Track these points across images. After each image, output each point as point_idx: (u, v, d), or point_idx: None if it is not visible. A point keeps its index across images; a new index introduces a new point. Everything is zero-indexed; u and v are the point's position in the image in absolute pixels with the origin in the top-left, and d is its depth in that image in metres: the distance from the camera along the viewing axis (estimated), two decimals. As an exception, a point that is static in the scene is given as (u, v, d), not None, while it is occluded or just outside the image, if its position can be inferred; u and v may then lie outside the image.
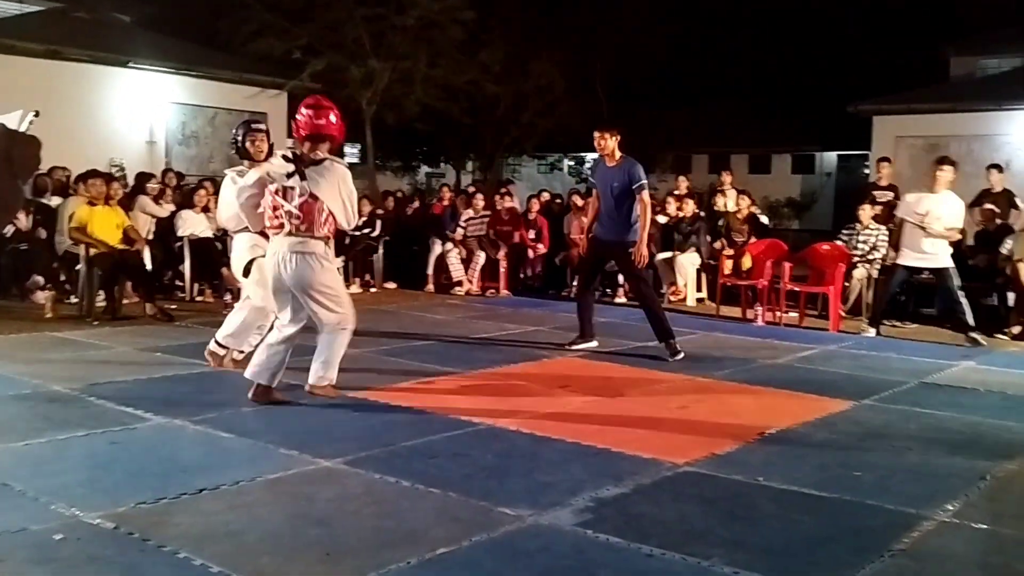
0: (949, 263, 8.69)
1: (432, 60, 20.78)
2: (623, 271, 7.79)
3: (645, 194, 7.45)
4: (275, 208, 5.28)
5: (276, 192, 5.28)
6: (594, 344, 7.79)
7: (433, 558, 3.31)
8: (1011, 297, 9.53)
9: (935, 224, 8.63)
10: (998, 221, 10.44)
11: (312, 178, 5.20)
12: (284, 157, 5.33)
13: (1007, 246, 9.67)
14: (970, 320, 8.69)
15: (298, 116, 5.28)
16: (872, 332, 9.12)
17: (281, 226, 5.25)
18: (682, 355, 7.38)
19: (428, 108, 21.73)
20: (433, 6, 19.55)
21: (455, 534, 3.53)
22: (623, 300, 11.14)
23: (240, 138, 6.02)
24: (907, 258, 8.88)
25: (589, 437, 4.95)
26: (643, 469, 4.42)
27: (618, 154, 7.54)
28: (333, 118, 5.24)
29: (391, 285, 12.36)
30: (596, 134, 7.53)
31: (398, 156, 31.24)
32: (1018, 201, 11.11)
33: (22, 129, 1.33)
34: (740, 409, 5.89)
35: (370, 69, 19.74)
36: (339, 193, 5.22)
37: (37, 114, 2.10)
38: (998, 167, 11.60)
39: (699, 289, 11.62)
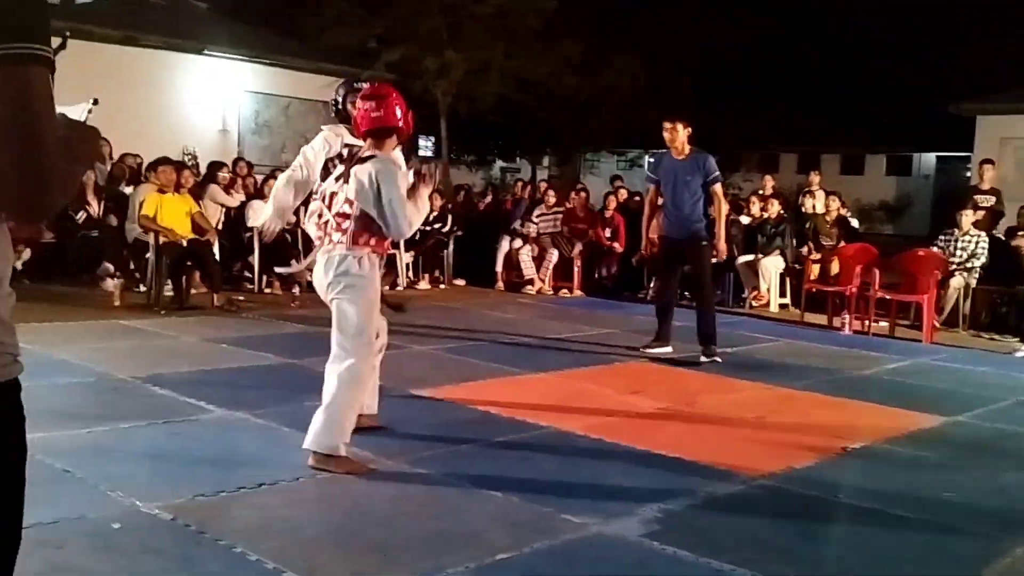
0: None
1: (509, 51, 20.83)
2: (694, 269, 7.68)
3: (719, 187, 7.48)
4: (319, 216, 4.48)
5: (322, 196, 4.49)
6: (669, 350, 7.71)
7: (492, 563, 3.30)
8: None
9: None
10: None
11: (354, 179, 4.30)
12: (339, 156, 4.79)
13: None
14: None
15: (356, 109, 4.51)
16: (1021, 352, 8.72)
17: (321, 238, 4.45)
18: (718, 360, 7.39)
19: (504, 100, 21.79)
20: (512, -5, 19.62)
21: (515, 540, 3.53)
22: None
23: (341, 98, 5.23)
24: None
25: (660, 445, 4.89)
26: (716, 481, 4.36)
27: (687, 147, 7.48)
28: (397, 108, 4.41)
29: (460, 282, 12.42)
30: (667, 125, 7.45)
31: (473, 150, 31.43)
32: None
33: (82, 119, 1.36)
34: (822, 421, 5.77)
35: (446, 60, 19.87)
36: (377, 196, 4.22)
37: (96, 102, 2.13)
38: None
39: (783, 294, 11.43)
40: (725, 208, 7.52)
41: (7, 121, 1.30)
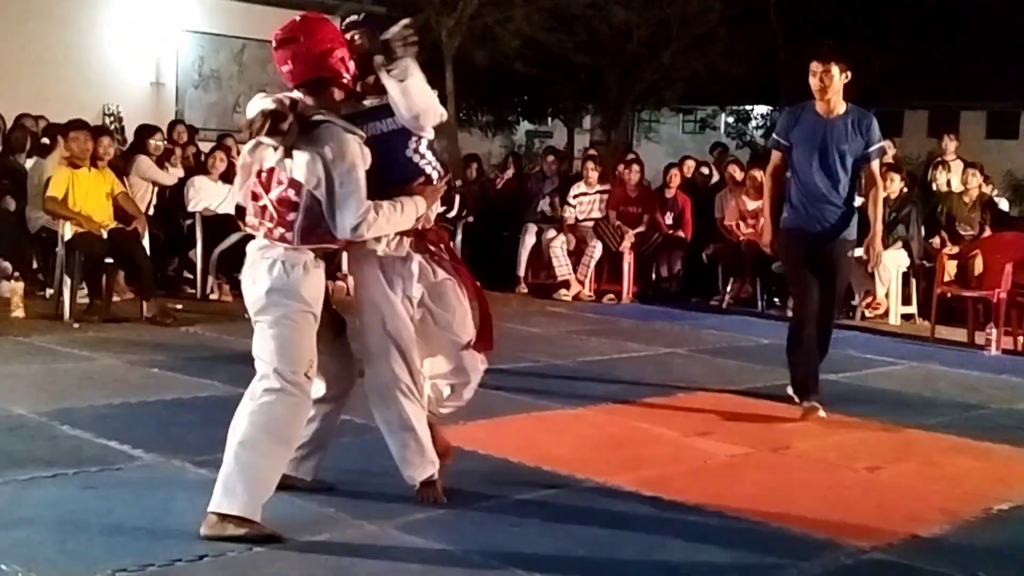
0: None
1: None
2: (831, 280, 6.95)
3: (877, 164, 7.05)
4: (255, 198, 4.42)
5: (259, 175, 4.40)
6: (820, 412, 6.86)
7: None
8: None
9: None
10: None
11: (297, 154, 4.25)
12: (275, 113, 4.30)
13: None
14: None
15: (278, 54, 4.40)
16: None
17: (255, 227, 4.43)
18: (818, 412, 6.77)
19: (532, 43, 21.80)
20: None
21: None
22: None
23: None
24: None
25: (737, 505, 4.90)
26: (813, 554, 4.36)
27: (843, 103, 6.90)
28: (331, 42, 4.35)
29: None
30: (816, 67, 6.79)
31: (490, 108, 31.48)
32: None
33: None
34: (957, 474, 5.77)
35: (454, -14, 19.94)
36: (324, 177, 4.21)
37: None
38: None
39: (907, 301, 11.39)
40: (882, 195, 7.11)
41: None
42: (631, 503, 4.93)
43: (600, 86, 27.40)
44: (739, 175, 12.41)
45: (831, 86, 6.78)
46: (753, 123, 35.74)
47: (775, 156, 7.16)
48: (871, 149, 6.88)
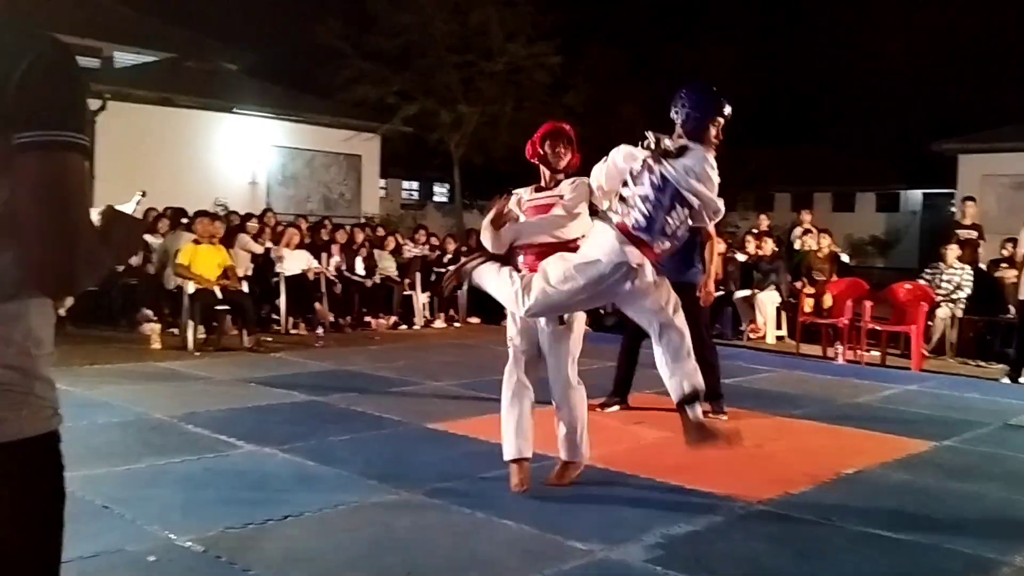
0: None
1: (518, 104, 21.07)
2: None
3: (712, 226, 6.89)
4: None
5: None
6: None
7: (504, 589, 3.30)
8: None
9: None
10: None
11: None
12: None
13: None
14: None
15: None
16: (1006, 379, 8.58)
17: None
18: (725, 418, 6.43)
19: (513, 149, 21.89)
20: (521, 52, 19.86)
21: (526, 565, 3.53)
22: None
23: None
24: None
25: (662, 473, 4.89)
26: (716, 507, 4.35)
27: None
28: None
29: (475, 320, 12.44)
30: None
31: (485, 195, 31.57)
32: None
33: (131, 210, 1.38)
34: (817, 448, 5.76)
35: (459, 113, 20.11)
36: None
37: (144, 194, 2.19)
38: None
39: (779, 327, 11.40)
40: (717, 250, 6.81)
41: (43, 207, 1.32)
42: (588, 473, 4.89)
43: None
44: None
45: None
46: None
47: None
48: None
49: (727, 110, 4.09)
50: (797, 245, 12.44)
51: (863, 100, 32.33)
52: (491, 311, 12.44)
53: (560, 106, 21.68)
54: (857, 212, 33.15)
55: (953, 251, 10.39)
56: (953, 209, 16.82)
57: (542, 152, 4.60)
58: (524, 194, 4.75)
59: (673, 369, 4.00)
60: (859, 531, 4.07)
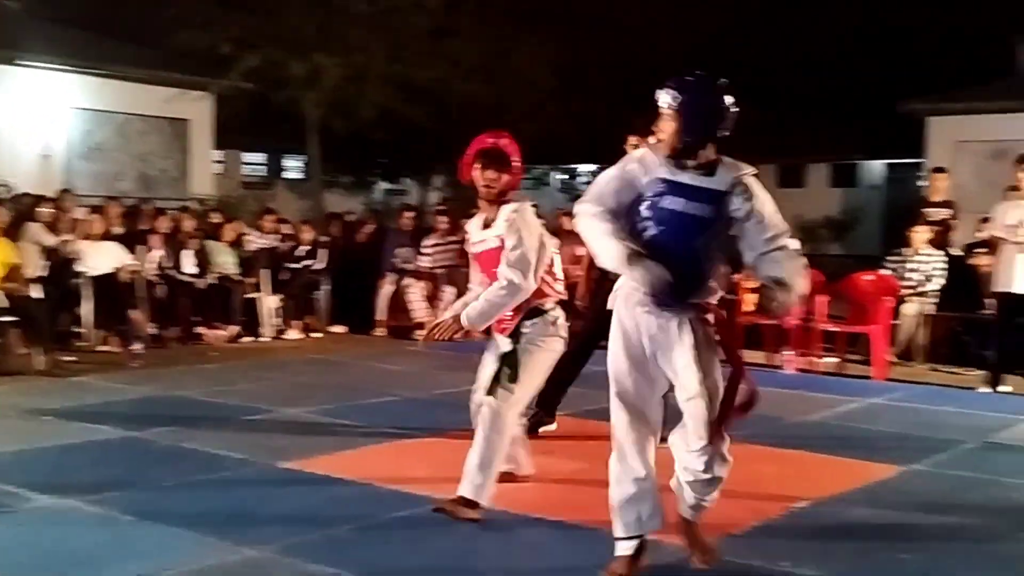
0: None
1: (391, 54, 20.94)
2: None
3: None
4: None
5: None
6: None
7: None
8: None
9: None
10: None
11: None
12: None
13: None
14: None
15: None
16: (985, 388, 8.99)
17: None
18: None
19: (387, 112, 21.86)
20: (392, -12, 19.80)
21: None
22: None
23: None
24: (1007, 284, 8.79)
25: (577, 514, 4.93)
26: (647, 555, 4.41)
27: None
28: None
29: (339, 329, 12.35)
30: (633, 140, 6.61)
31: (350, 170, 31.37)
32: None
33: None
34: (763, 478, 5.88)
35: (315, 65, 19.87)
36: None
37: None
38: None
39: (716, 330, 11.65)
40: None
41: None
42: (485, 516, 4.94)
43: (447, 149, 27.50)
44: (568, 225, 12.63)
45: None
46: (580, 179, 36.38)
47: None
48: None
49: None
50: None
51: (814, 54, 33.26)
52: (359, 317, 12.38)
53: (443, 57, 21.71)
54: (808, 188, 34.21)
55: (922, 234, 10.79)
56: (922, 183, 17.52)
57: (472, 178, 4.95)
58: (472, 230, 5.15)
59: None
60: (814, 578, 4.20)
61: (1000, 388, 8.87)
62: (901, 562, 4.44)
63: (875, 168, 34.91)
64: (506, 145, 5.10)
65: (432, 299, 12.16)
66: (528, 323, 5.02)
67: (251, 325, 11.64)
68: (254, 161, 34.79)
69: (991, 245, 9.23)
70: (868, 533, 4.86)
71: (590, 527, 4.77)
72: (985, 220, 10.15)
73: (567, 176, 37.24)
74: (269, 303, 11.78)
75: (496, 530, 4.78)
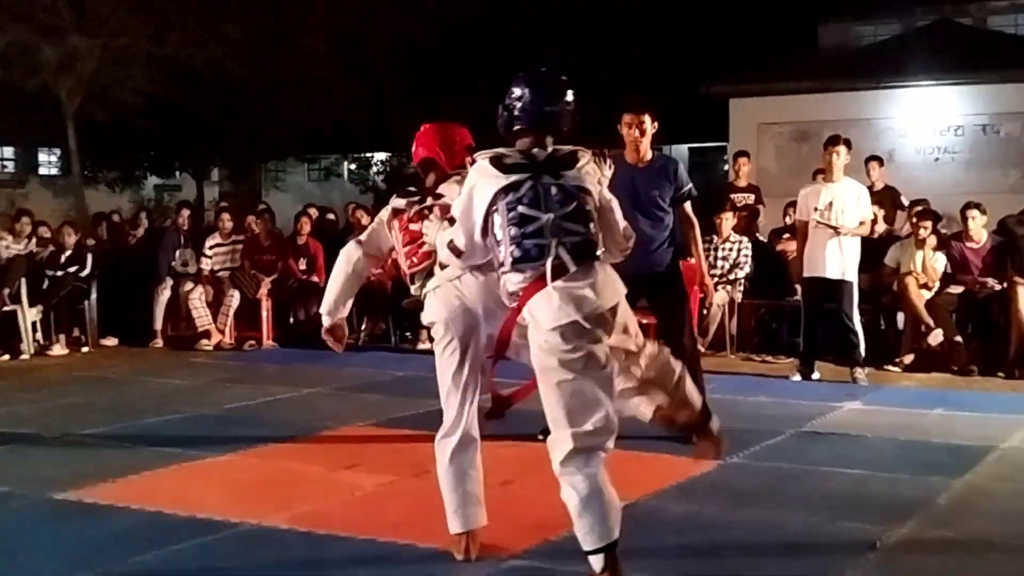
0: (855, 277, 9.26)
1: (157, 35, 20.44)
2: (661, 312, 7.05)
3: (688, 206, 7.07)
4: None
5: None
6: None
7: None
8: (900, 319, 10.27)
9: (841, 219, 9.11)
10: (882, 227, 11.18)
11: None
12: None
13: (892, 256, 10.41)
14: (862, 352, 9.27)
15: None
16: (797, 376, 9.44)
17: None
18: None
19: (155, 99, 21.34)
20: (155, -37, 19.33)
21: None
22: (428, 347, 11.23)
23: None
24: (812, 269, 9.27)
25: (387, 531, 4.98)
26: (458, 570, 4.50)
27: (650, 151, 7.01)
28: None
29: (111, 342, 11.99)
30: (631, 118, 6.88)
31: (116, 165, 30.38)
32: (904, 199, 12.01)
33: None
34: (579, 480, 6.06)
35: (71, 48, 19.21)
36: None
37: None
38: (879, 159, 12.51)
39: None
40: (699, 234, 7.17)
41: None
42: (287, 540, 4.93)
43: (226, 140, 27.03)
44: (366, 219, 12.63)
45: (644, 138, 6.93)
46: (374, 169, 36.14)
47: None
48: (681, 192, 7.00)
49: None
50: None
51: (612, 35, 34.14)
52: (133, 327, 12.04)
53: (217, 39, 21.30)
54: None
55: (728, 220, 11.29)
56: (726, 167, 18.27)
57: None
58: None
59: None
60: (634, 581, 4.37)
61: (815, 376, 9.38)
62: (720, 557, 4.67)
63: (678, 153, 36.12)
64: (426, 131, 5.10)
65: (216, 305, 11.94)
66: None
67: (8, 342, 11.16)
68: (2, 156, 33.27)
69: (798, 230, 9.74)
70: (686, 530, 5.08)
71: (404, 542, 4.83)
72: (791, 204, 10.69)
73: (358, 166, 36.95)
74: (29, 316, 11.31)
75: (303, 553, 4.78)
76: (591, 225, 4.11)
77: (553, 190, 4.08)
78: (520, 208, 4.03)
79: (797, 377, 9.43)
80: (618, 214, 4.40)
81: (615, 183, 6.43)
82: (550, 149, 4.22)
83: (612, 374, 4.23)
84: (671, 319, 7.01)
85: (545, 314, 3.97)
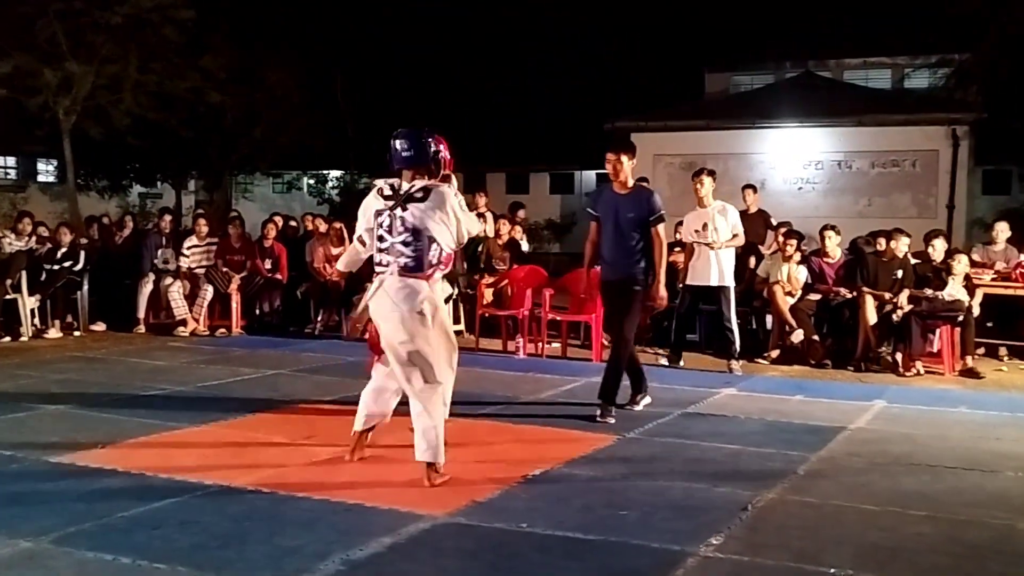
0: (731, 282, 9.41)
1: (144, 64, 20.17)
2: (619, 312, 7.27)
3: (662, 228, 7.25)
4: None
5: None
6: (647, 400, 7.58)
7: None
8: (768, 320, 10.45)
9: (714, 236, 9.32)
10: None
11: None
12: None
13: (763, 268, 10.61)
14: (737, 347, 9.43)
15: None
16: (667, 361, 9.70)
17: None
18: (612, 421, 6.95)
19: (141, 119, 21.00)
20: (144, 3, 18.96)
21: (186, 614, 3.46)
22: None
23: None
24: (695, 278, 9.52)
25: (338, 492, 4.97)
26: (398, 524, 4.50)
27: (631, 181, 7.31)
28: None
29: (100, 327, 11.76)
30: (611, 156, 7.21)
31: (105, 174, 29.79)
32: (773, 221, 12.24)
33: None
34: (502, 451, 6.11)
35: (68, 73, 18.82)
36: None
37: None
38: (753, 187, 12.74)
39: (456, 321, 11.86)
40: (665, 252, 7.36)
41: None
42: (253, 499, 4.90)
43: (202, 156, 26.72)
44: (323, 227, 12.62)
45: (622, 170, 7.21)
46: (330, 184, 35.85)
47: (592, 225, 7.47)
48: (653, 217, 7.17)
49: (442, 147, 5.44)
50: (479, 233, 12.98)
51: (536, 77, 34.31)
52: (119, 315, 11.84)
53: (197, 69, 21.04)
54: (532, 194, 35.19)
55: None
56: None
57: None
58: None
59: None
60: (549, 535, 4.41)
61: (680, 364, 9.62)
62: (621, 518, 4.73)
63: (589, 177, 36.34)
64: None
65: (192, 298, 11.78)
66: None
67: (10, 326, 10.91)
68: (5, 165, 32.49)
69: (685, 246, 9.91)
70: (592, 495, 5.13)
71: (353, 502, 4.83)
72: (680, 224, 10.84)
73: (316, 181, 36.70)
74: (29, 303, 11.07)
75: (265, 510, 4.75)
76: (419, 249, 5.18)
77: (399, 221, 5.19)
78: (380, 231, 5.26)
79: (664, 362, 9.67)
80: (463, 223, 5.33)
81: (602, 208, 7.34)
82: (409, 184, 5.25)
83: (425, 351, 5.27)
84: (619, 315, 7.28)
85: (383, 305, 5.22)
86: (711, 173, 9.62)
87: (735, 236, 9.48)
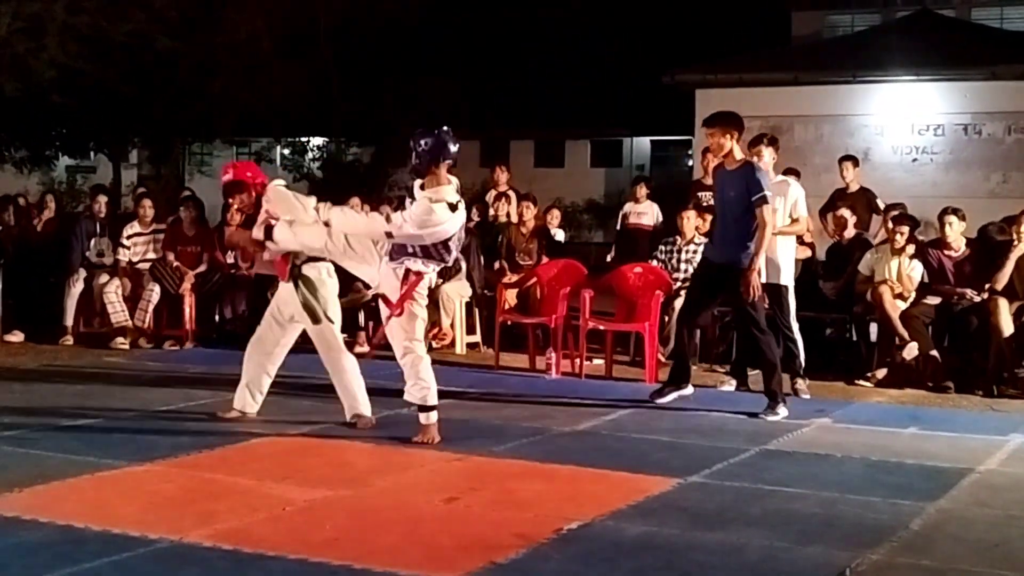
0: (789, 281, 9.34)
1: (75, 1, 20.23)
2: (734, 303, 8.70)
3: (766, 210, 8.25)
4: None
5: None
6: (689, 391, 8.85)
7: None
8: (874, 331, 10.37)
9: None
10: (852, 231, 11.28)
11: None
12: None
13: (866, 264, 10.52)
14: (802, 360, 9.36)
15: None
16: (731, 386, 9.67)
17: None
18: (785, 413, 8.34)
19: (69, 72, 21.11)
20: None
21: None
22: (366, 349, 11.20)
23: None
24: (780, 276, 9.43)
25: (319, 551, 4.96)
26: (397, 591, 4.50)
27: (739, 155, 8.46)
28: None
29: (16, 337, 11.84)
30: (705, 131, 8.63)
31: (25, 143, 30.01)
32: (880, 202, 12.15)
33: None
34: (529, 498, 6.08)
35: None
36: None
37: None
38: (853, 159, 12.65)
39: (471, 331, 11.85)
40: (767, 236, 8.35)
41: None
42: (209, 559, 4.89)
43: (147, 118, 26.77)
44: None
45: (724, 145, 8.41)
46: (310, 155, 35.88)
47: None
48: (755, 197, 8.23)
49: (454, 148, 7.02)
50: (498, 217, 12.95)
51: (572, 20, 34.18)
52: (41, 322, 11.90)
53: (141, 6, 21.12)
54: (568, 168, 35.19)
55: (691, 219, 11.34)
56: (691, 163, 18.36)
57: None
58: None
59: None
60: (589, 607, 4.40)
61: (749, 386, 9.58)
62: (682, 585, 4.71)
63: (642, 145, 36.24)
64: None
65: (134, 300, 11.82)
66: None
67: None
68: None
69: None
70: (645, 554, 5.10)
71: (339, 563, 4.82)
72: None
73: (292, 151, 36.68)
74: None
75: (225, 572, 4.75)
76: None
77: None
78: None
79: (728, 388, 9.63)
80: (411, 212, 7.01)
81: (716, 185, 8.94)
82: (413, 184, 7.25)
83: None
84: (740, 304, 8.49)
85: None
86: (773, 142, 9.56)
87: (794, 221, 9.43)
